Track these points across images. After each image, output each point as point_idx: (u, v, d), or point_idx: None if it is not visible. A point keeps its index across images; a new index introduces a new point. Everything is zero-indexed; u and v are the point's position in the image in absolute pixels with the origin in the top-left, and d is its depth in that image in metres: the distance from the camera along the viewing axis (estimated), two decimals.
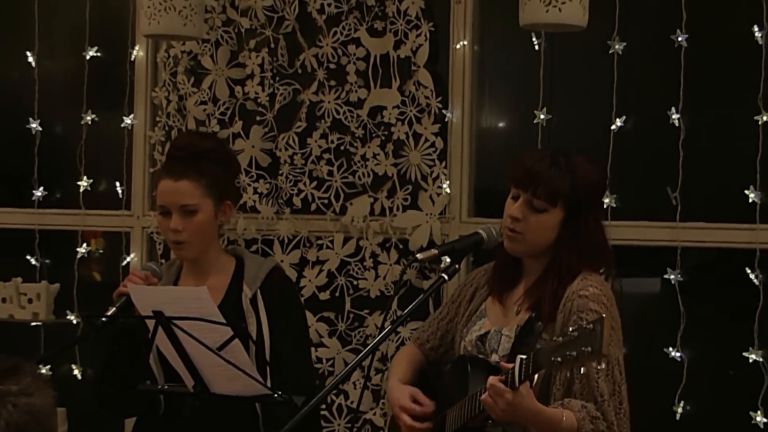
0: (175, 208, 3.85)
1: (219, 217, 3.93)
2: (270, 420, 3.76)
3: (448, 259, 3.53)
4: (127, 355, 3.85)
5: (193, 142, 3.98)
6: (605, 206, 4.57)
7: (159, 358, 3.80)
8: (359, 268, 5.11)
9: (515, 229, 3.49)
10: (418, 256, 3.52)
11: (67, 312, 5.62)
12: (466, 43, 5.02)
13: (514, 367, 3.16)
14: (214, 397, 3.69)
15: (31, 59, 5.74)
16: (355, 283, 5.12)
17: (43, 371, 5.50)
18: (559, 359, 3.02)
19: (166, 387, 3.80)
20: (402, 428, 3.64)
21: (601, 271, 3.53)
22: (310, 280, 5.16)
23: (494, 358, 3.46)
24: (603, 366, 3.11)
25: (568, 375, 3.31)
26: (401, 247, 5.06)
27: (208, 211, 3.88)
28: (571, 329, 3.05)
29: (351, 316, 5.13)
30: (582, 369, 3.16)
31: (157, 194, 3.94)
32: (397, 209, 5.05)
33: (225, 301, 3.85)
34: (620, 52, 4.78)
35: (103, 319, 3.75)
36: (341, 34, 5.13)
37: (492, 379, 3.19)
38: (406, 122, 5.04)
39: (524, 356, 3.16)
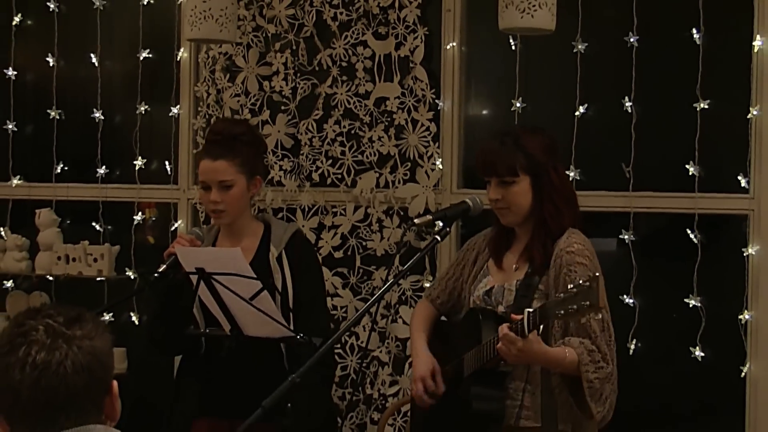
0: (214, 184, 3.85)
1: (251, 189, 3.93)
2: (292, 357, 3.75)
3: (441, 224, 3.52)
4: (176, 305, 3.84)
5: (228, 128, 3.97)
6: (570, 178, 4.56)
7: (201, 306, 3.79)
8: (367, 232, 5.10)
9: (501, 206, 3.51)
10: (416, 221, 3.56)
11: (126, 269, 5.62)
12: (455, 44, 5.00)
13: (523, 319, 3.17)
14: (248, 339, 3.69)
15: (94, 60, 5.73)
16: (364, 244, 5.11)
17: (105, 318, 5.51)
18: (562, 312, 3.07)
19: (207, 331, 3.80)
20: (413, 393, 3.65)
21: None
22: (326, 242, 5.14)
23: (500, 309, 3.46)
24: (600, 317, 3.14)
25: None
26: (402, 214, 5.04)
27: (242, 185, 3.87)
28: (571, 286, 3.08)
29: (361, 271, 5.12)
30: (584, 319, 3.18)
31: (198, 172, 3.93)
32: (399, 182, 5.03)
33: (255, 260, 3.84)
34: (582, 51, 4.76)
35: (156, 275, 3.75)
36: (351, 37, 5.11)
37: (504, 329, 3.21)
38: (405, 110, 5.02)
39: (531, 310, 3.18)
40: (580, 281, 3.06)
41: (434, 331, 3.77)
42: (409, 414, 4.77)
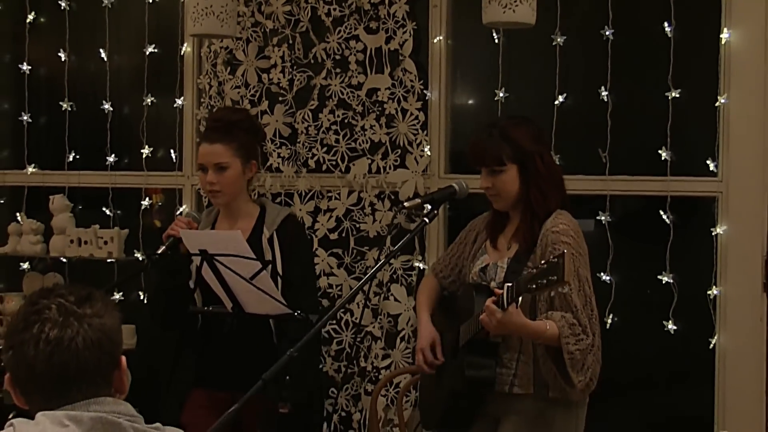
0: (211, 166, 3.87)
1: (246, 173, 3.94)
2: (280, 333, 3.76)
3: (429, 207, 3.54)
4: (176, 282, 3.86)
5: (227, 115, 3.99)
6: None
7: (200, 285, 3.80)
8: (360, 215, 5.10)
9: (492, 193, 3.56)
10: (405, 204, 3.58)
11: (135, 251, 5.62)
12: (441, 38, 4.99)
13: (503, 293, 3.21)
14: (248, 317, 3.69)
15: (103, 55, 5.72)
16: (357, 226, 5.11)
17: (115, 297, 5.52)
18: (534, 286, 3.10)
19: (210, 308, 3.81)
20: (416, 362, 3.72)
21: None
22: (322, 224, 5.14)
23: (493, 284, 3.50)
24: (566, 290, 3.16)
25: (549, 293, 3.35)
26: (393, 197, 5.04)
27: (237, 168, 3.88)
28: (542, 262, 3.13)
29: (354, 251, 5.12)
30: (553, 293, 3.19)
31: (198, 155, 3.94)
32: (390, 168, 5.03)
33: (250, 240, 3.85)
34: (561, 44, 4.76)
35: (156, 255, 3.77)
36: (344, 32, 5.10)
37: (488, 302, 3.25)
38: (395, 100, 5.01)
39: (510, 284, 3.22)
40: (551, 257, 3.09)
41: (438, 304, 3.82)
42: (401, 384, 4.79)
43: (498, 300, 3.22)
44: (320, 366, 4.18)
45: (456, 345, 3.59)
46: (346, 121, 5.11)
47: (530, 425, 3.47)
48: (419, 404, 4.05)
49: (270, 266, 3.80)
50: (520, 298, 3.22)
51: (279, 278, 3.82)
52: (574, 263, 3.37)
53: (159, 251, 3.75)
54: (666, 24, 4.58)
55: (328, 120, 5.13)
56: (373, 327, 5.04)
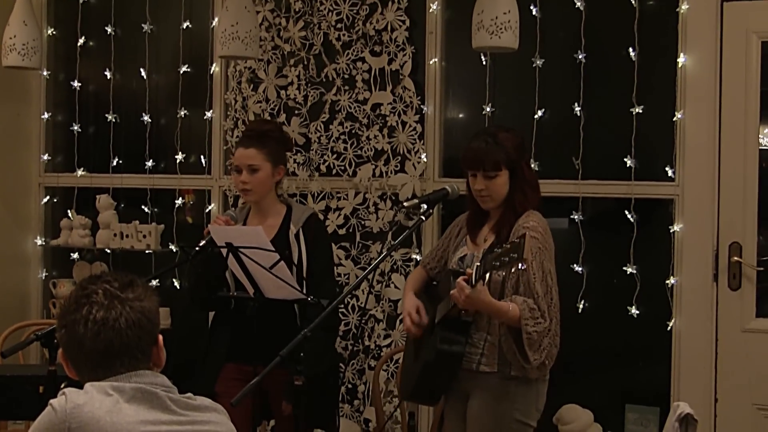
0: (244, 167, 3.87)
1: (274, 176, 3.93)
2: (304, 316, 3.76)
3: (425, 206, 3.53)
4: (212, 272, 3.86)
5: (260, 125, 4.03)
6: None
7: (232, 273, 3.80)
8: (365, 213, 5.10)
9: (484, 195, 3.52)
10: (405, 204, 3.57)
11: (169, 244, 5.62)
12: (436, 60, 4.99)
13: (472, 272, 3.20)
14: (268, 301, 3.69)
15: (143, 74, 5.71)
16: (362, 222, 5.11)
17: (153, 284, 5.50)
18: (497, 263, 3.09)
19: (235, 293, 3.81)
20: (404, 326, 3.69)
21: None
22: (332, 221, 5.14)
23: (468, 271, 3.46)
24: (524, 267, 3.16)
25: (515, 281, 3.35)
26: (394, 198, 5.04)
27: (267, 171, 3.88)
28: (506, 243, 3.12)
29: (360, 245, 5.12)
30: (513, 269, 3.17)
31: (233, 158, 3.95)
32: (391, 173, 5.03)
33: (278, 235, 3.86)
34: (540, 66, 4.76)
35: (196, 248, 3.77)
36: (352, 54, 5.10)
37: (459, 279, 3.25)
38: (396, 114, 5.01)
39: (478, 263, 3.21)
40: (513, 238, 3.08)
41: (425, 291, 3.80)
42: (400, 360, 4.79)
43: (468, 278, 3.22)
44: (333, 344, 4.16)
45: (434, 322, 3.58)
46: (353, 131, 5.11)
47: (495, 399, 3.44)
48: (400, 377, 4.01)
49: (290, 259, 3.80)
50: (488, 275, 3.20)
51: (302, 269, 3.82)
52: (540, 256, 3.34)
53: (199, 245, 3.75)
54: (631, 49, 4.58)
55: (338, 131, 5.13)
56: (376, 311, 5.05)
